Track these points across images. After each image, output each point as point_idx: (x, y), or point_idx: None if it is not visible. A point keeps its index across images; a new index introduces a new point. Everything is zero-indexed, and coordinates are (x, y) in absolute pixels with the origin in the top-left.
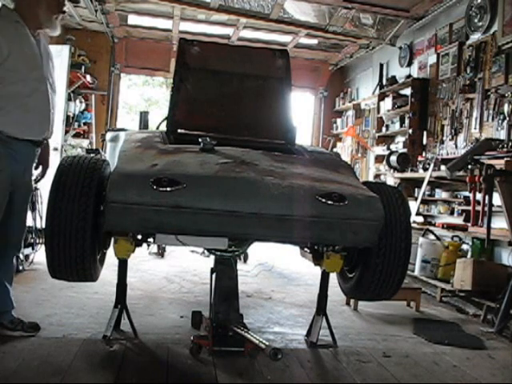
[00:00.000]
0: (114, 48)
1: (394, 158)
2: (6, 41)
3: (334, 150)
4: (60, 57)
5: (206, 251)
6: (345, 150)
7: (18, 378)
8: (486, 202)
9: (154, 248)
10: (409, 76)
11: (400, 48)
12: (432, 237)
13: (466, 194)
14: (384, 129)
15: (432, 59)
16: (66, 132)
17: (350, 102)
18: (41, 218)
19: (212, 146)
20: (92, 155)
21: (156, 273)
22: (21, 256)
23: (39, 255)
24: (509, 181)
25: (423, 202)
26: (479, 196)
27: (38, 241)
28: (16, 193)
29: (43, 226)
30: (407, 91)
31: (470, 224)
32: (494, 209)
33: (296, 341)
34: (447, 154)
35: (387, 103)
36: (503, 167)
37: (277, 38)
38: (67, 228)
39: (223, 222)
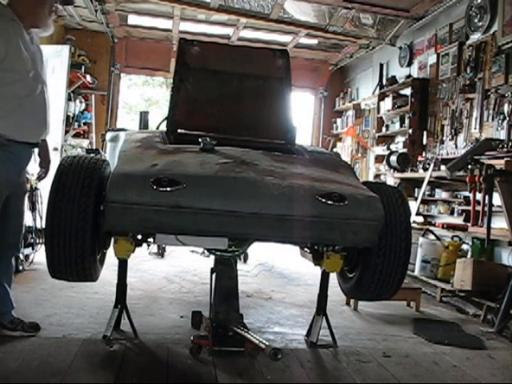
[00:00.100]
0: (114, 48)
1: (394, 158)
2: (3, 41)
3: (334, 150)
4: (60, 57)
5: (206, 251)
6: (345, 149)
7: (18, 377)
8: (486, 201)
9: (154, 248)
10: (409, 76)
11: (400, 48)
12: (432, 237)
13: (466, 193)
14: (384, 129)
15: (432, 59)
16: (66, 132)
17: (349, 102)
18: (41, 217)
19: (212, 146)
20: (92, 155)
21: (156, 273)
22: (21, 256)
23: (39, 255)
24: (509, 181)
25: (423, 201)
26: (479, 196)
27: (38, 241)
28: (12, 194)
29: (43, 226)
30: (407, 91)
31: (470, 224)
32: (494, 209)
33: (296, 341)
34: (447, 154)
35: (387, 103)
36: (503, 167)
37: (277, 38)
38: (67, 228)
39: (223, 222)
